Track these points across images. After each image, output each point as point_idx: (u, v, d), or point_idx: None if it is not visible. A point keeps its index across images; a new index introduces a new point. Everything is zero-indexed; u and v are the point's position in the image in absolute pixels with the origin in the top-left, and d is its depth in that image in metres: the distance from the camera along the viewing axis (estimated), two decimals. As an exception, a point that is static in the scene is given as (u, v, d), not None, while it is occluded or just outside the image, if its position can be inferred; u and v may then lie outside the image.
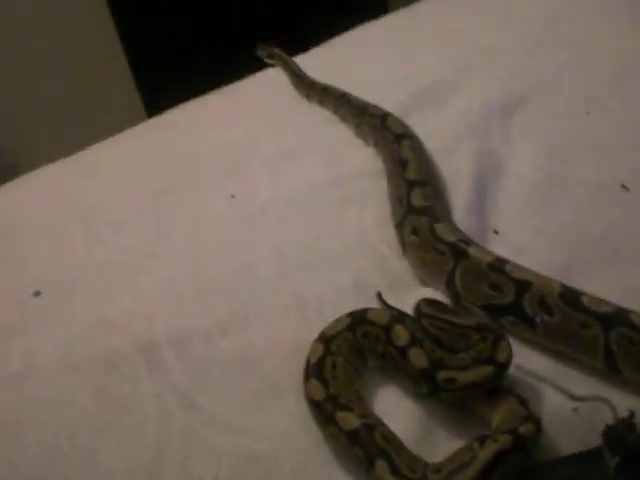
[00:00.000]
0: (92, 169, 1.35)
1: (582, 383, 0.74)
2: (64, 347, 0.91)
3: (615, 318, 0.73)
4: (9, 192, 1.35)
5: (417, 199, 0.97)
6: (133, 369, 0.86)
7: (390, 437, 0.68)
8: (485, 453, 0.62)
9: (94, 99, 2.50)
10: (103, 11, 2.38)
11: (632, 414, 0.63)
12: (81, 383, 0.86)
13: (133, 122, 1.52)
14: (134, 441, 0.78)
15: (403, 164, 1.05)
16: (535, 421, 0.65)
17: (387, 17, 1.72)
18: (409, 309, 0.83)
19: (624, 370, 0.73)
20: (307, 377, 0.75)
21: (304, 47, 1.67)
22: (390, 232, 1.00)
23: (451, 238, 0.88)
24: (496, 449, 0.62)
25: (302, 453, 0.73)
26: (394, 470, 0.64)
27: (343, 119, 1.34)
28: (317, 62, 1.57)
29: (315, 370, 0.75)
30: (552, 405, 0.71)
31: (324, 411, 0.71)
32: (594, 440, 0.65)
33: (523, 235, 0.95)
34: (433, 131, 1.17)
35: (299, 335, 0.84)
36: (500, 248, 0.89)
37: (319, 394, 0.73)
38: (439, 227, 0.90)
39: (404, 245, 0.96)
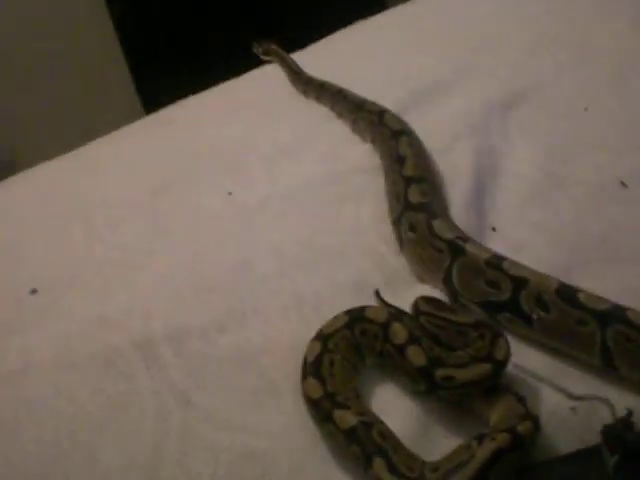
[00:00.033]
0: (90, 166, 1.35)
1: (580, 380, 0.74)
2: (61, 344, 0.91)
3: (612, 315, 0.73)
4: (6, 189, 1.35)
5: (414, 196, 0.97)
6: (131, 366, 0.86)
7: (388, 435, 0.68)
8: (483, 452, 0.61)
9: (92, 96, 2.49)
10: (101, 8, 2.37)
11: (630, 413, 0.63)
12: (79, 380, 0.85)
13: (131, 119, 1.52)
14: (132, 438, 0.78)
15: (400, 160, 1.05)
16: (533, 419, 0.65)
17: (385, 13, 1.72)
18: (407, 306, 0.83)
19: (620, 367, 0.73)
20: (304, 375, 0.75)
21: (302, 44, 1.67)
22: (387, 229, 1.00)
23: (448, 235, 0.88)
24: (494, 448, 0.61)
25: (300, 451, 0.73)
26: (391, 468, 0.64)
27: (340, 115, 1.34)
28: (315, 59, 1.57)
29: (312, 368, 0.75)
30: (550, 403, 0.71)
31: (321, 409, 0.71)
32: (592, 438, 0.65)
33: (521, 232, 0.95)
34: (432, 129, 1.17)
35: (297, 332, 0.84)
36: (498, 245, 0.89)
37: (316, 392, 0.73)
38: (436, 224, 0.90)
39: (401, 242, 0.96)
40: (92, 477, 0.76)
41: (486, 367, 0.70)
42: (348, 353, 0.77)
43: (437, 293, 0.88)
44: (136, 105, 2.50)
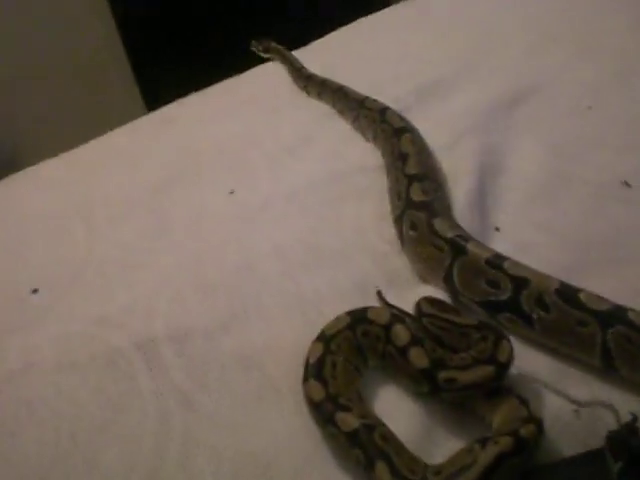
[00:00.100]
0: (91, 164, 1.34)
1: (583, 382, 0.74)
2: (62, 344, 0.91)
3: (613, 316, 0.72)
4: (7, 187, 1.35)
5: (416, 194, 0.96)
6: (132, 367, 0.85)
7: (390, 438, 0.68)
8: (486, 456, 0.61)
9: (94, 94, 2.49)
10: (103, 5, 2.37)
11: (635, 418, 0.62)
12: (80, 381, 0.85)
13: (133, 116, 1.52)
14: (133, 439, 0.77)
15: (403, 158, 1.05)
16: (536, 422, 0.65)
17: (387, 11, 1.71)
18: (409, 307, 0.83)
19: (621, 368, 0.72)
20: (306, 377, 0.75)
21: (303, 41, 1.67)
22: (389, 227, 1.00)
23: (449, 234, 0.87)
24: (497, 452, 0.61)
25: (302, 453, 0.73)
26: (394, 472, 0.63)
27: (341, 113, 1.34)
28: (317, 56, 1.57)
29: (314, 370, 0.75)
30: (553, 406, 0.71)
31: (323, 411, 0.71)
32: (596, 442, 0.65)
33: (525, 232, 0.95)
34: (434, 127, 1.17)
35: (299, 333, 0.83)
36: (501, 245, 0.89)
37: (318, 394, 0.72)
38: (437, 222, 0.90)
39: (403, 240, 0.95)
40: (93, 478, 0.75)
41: (489, 369, 0.70)
42: (350, 355, 0.77)
43: (439, 293, 0.88)
44: (138, 102, 2.50)
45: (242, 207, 1.12)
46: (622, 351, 0.72)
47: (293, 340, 0.84)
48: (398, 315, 0.79)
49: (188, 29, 2.38)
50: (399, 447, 0.67)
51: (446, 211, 0.97)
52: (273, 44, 1.65)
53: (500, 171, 1.06)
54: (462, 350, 0.74)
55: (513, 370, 0.72)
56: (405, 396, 0.76)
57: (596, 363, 0.74)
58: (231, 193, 1.15)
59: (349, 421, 0.69)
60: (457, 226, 0.91)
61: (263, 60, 1.65)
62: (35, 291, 1.02)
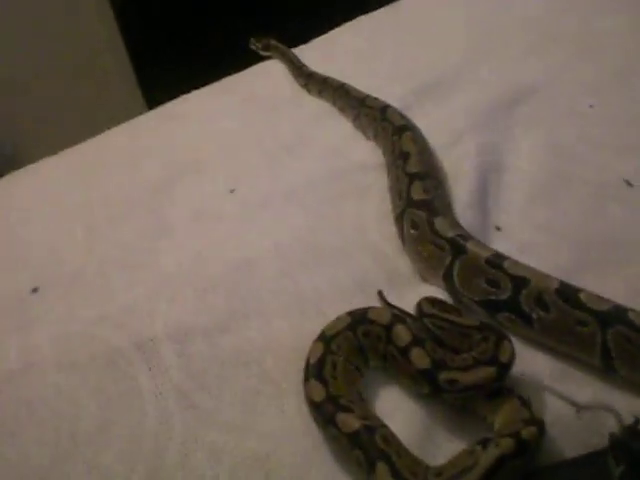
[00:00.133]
0: (91, 162, 1.34)
1: (584, 382, 0.74)
2: (62, 344, 0.90)
3: (613, 316, 0.72)
4: (7, 185, 1.34)
5: (417, 192, 0.96)
6: (132, 367, 0.85)
7: (391, 439, 0.68)
8: (487, 458, 0.61)
9: (94, 91, 2.48)
10: (104, 2, 2.36)
11: (637, 421, 0.62)
12: (80, 381, 0.85)
13: (133, 114, 1.51)
14: (133, 439, 0.77)
15: (404, 156, 1.05)
16: (538, 424, 0.64)
17: (388, 9, 1.71)
18: (410, 306, 0.83)
19: (621, 369, 0.72)
20: (307, 378, 0.75)
21: (305, 38, 1.66)
22: (390, 226, 0.99)
23: (450, 233, 0.87)
24: (498, 454, 0.61)
25: (302, 453, 0.73)
26: (395, 473, 0.63)
27: (342, 110, 1.33)
28: (318, 53, 1.57)
29: (315, 370, 0.74)
30: (555, 407, 0.71)
31: (324, 412, 0.71)
32: (597, 442, 0.65)
33: (526, 232, 0.94)
34: (435, 126, 1.16)
35: (299, 333, 0.83)
36: (502, 245, 0.89)
37: (319, 395, 0.72)
38: (438, 221, 0.89)
39: (403, 239, 0.95)
40: (93, 478, 0.75)
41: (490, 370, 0.69)
42: (351, 355, 0.77)
43: (440, 293, 0.87)
44: (138, 100, 2.50)
45: (242, 205, 1.11)
46: (622, 351, 0.72)
47: (292, 338, 0.84)
48: (399, 315, 0.79)
49: (188, 26, 2.38)
50: (400, 448, 0.67)
51: (447, 210, 0.96)
52: (273, 42, 1.64)
53: (501, 170, 1.06)
54: (463, 351, 0.74)
55: (514, 371, 0.72)
56: (406, 397, 0.76)
57: (596, 363, 0.74)
58: (232, 191, 1.15)
59: (350, 422, 0.68)
60: (458, 225, 0.91)
61: (263, 58, 1.65)
62: (35, 290, 1.01)
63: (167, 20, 2.38)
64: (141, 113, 1.56)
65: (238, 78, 1.57)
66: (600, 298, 0.75)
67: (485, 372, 0.69)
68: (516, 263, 0.81)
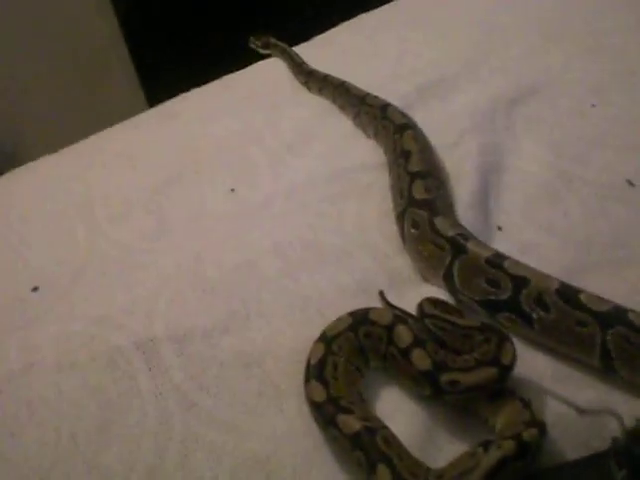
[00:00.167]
0: (92, 160, 1.33)
1: (585, 383, 0.74)
2: (62, 344, 0.90)
3: (613, 316, 0.73)
4: (7, 183, 1.33)
5: (418, 191, 0.96)
6: (132, 367, 0.85)
7: (392, 441, 0.68)
8: (488, 460, 0.61)
9: (95, 89, 2.48)
10: (105, 1, 2.36)
11: (639, 423, 0.62)
12: (80, 381, 0.85)
13: (134, 112, 1.51)
14: (133, 440, 0.77)
15: (405, 155, 1.05)
16: (539, 426, 0.64)
17: (390, 6, 1.70)
18: (411, 306, 0.83)
19: (620, 370, 0.72)
20: (307, 378, 0.75)
21: (305, 36, 1.66)
22: (391, 226, 0.99)
23: (450, 232, 0.87)
24: (500, 456, 0.61)
25: (303, 454, 0.73)
26: (395, 475, 0.63)
27: (342, 108, 1.33)
28: (319, 51, 1.56)
29: (316, 371, 0.74)
30: (556, 408, 0.71)
31: (325, 413, 0.71)
32: (599, 444, 0.65)
33: (527, 232, 0.95)
34: (437, 125, 1.16)
35: (300, 334, 0.83)
36: (503, 245, 0.89)
37: (320, 396, 0.72)
38: (439, 221, 0.89)
39: (404, 238, 0.95)
40: (93, 478, 0.75)
41: (492, 371, 0.69)
42: (352, 356, 0.77)
43: (441, 293, 0.87)
44: (139, 97, 2.49)
45: (242, 205, 1.11)
46: (622, 352, 0.72)
47: (293, 338, 0.84)
48: (400, 316, 0.79)
49: (189, 24, 2.37)
50: (401, 450, 0.67)
51: (448, 209, 0.96)
52: (272, 40, 1.64)
53: (503, 170, 1.06)
54: (465, 352, 0.74)
55: (515, 372, 0.72)
56: (407, 398, 0.76)
57: (595, 364, 0.74)
58: (232, 191, 1.14)
59: (351, 423, 0.68)
60: (458, 225, 0.91)
61: (263, 56, 1.64)
62: (35, 289, 1.01)
63: (168, 19, 2.37)
64: (142, 110, 1.55)
65: (238, 76, 1.57)
66: (600, 299, 0.75)
67: (487, 373, 0.69)
68: (516, 263, 0.81)
